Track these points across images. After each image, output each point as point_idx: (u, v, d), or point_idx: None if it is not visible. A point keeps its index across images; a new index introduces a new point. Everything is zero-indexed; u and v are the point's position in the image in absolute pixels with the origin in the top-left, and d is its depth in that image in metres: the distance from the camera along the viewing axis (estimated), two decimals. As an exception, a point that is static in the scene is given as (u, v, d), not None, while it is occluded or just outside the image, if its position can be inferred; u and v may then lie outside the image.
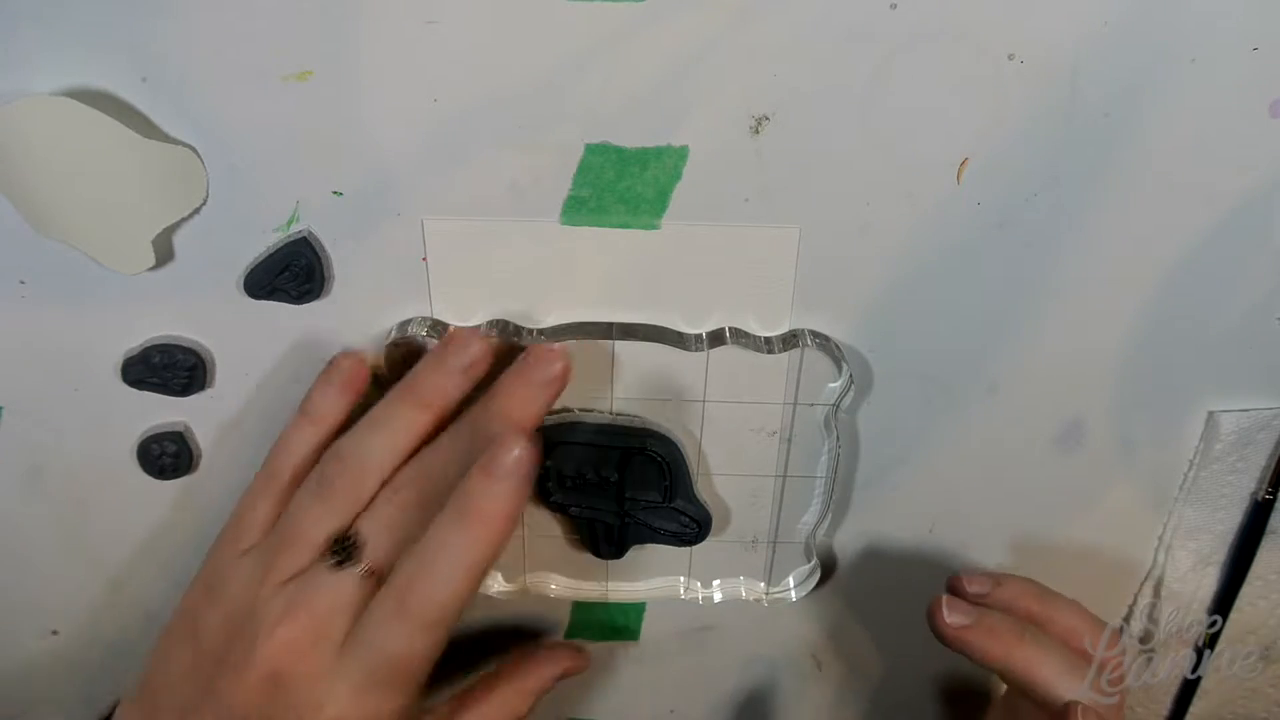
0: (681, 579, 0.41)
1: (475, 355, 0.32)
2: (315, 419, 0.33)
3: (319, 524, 0.31)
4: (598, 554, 0.39)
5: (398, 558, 0.30)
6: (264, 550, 0.31)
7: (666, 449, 0.36)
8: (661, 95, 0.29)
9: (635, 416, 0.36)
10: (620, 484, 0.36)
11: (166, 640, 0.32)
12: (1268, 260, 0.33)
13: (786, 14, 0.28)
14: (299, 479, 0.32)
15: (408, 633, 0.29)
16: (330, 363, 0.33)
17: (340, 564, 0.30)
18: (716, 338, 0.34)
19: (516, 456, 0.28)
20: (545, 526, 0.39)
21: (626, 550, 0.38)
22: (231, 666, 0.30)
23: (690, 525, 0.37)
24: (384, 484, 0.31)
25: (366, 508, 0.31)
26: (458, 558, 0.28)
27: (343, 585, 0.30)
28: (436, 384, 0.32)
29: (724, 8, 0.28)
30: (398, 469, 0.31)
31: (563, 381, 0.31)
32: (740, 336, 0.34)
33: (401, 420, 0.32)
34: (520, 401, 0.31)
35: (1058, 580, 0.41)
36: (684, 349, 0.34)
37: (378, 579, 0.30)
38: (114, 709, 0.33)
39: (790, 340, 0.34)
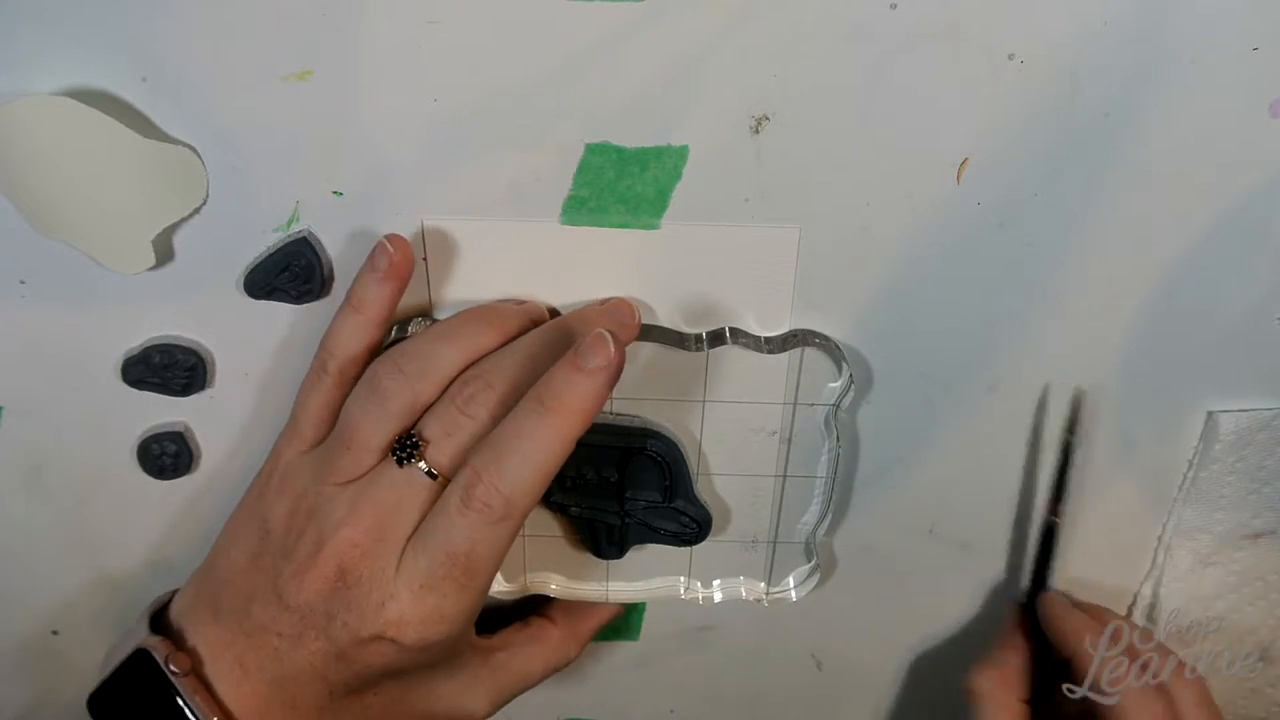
0: (681, 579, 0.40)
1: (546, 315, 0.34)
2: (360, 307, 0.32)
3: (377, 429, 0.31)
4: (598, 554, 0.39)
5: (459, 459, 0.30)
6: (325, 452, 0.32)
7: (666, 449, 0.36)
8: (661, 95, 0.29)
9: (635, 416, 0.36)
10: (620, 484, 0.36)
11: (233, 527, 0.33)
12: (1268, 260, 0.33)
13: (786, 14, 0.28)
14: (347, 370, 0.32)
15: (471, 527, 0.29)
16: (375, 247, 0.32)
17: (402, 463, 0.30)
18: (716, 338, 0.34)
19: (609, 353, 0.29)
20: (545, 526, 0.39)
21: (627, 550, 0.39)
22: (296, 561, 0.30)
23: (690, 525, 0.37)
24: (444, 389, 0.31)
25: (428, 410, 0.31)
26: (531, 449, 0.29)
27: (407, 483, 0.30)
28: (508, 312, 0.33)
29: (724, 8, 0.28)
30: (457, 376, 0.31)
31: (636, 331, 0.33)
32: (740, 336, 0.34)
33: (467, 334, 0.32)
34: (609, 324, 0.32)
35: (1057, 579, 0.41)
36: (684, 349, 0.34)
37: (440, 479, 0.30)
38: (171, 597, 0.33)
39: (790, 340, 0.34)
